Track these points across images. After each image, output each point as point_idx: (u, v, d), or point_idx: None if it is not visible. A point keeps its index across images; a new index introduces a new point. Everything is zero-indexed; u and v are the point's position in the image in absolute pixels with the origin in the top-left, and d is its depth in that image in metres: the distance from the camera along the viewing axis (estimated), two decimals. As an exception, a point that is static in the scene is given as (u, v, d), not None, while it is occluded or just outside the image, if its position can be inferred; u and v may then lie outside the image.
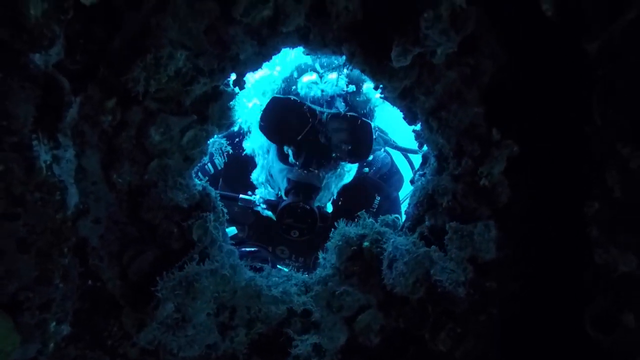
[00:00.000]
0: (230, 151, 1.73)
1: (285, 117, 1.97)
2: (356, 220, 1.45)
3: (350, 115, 1.94)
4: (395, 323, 1.32)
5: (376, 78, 1.28)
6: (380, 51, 1.19)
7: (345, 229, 1.39)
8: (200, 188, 1.35)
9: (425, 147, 1.55)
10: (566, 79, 1.19)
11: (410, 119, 1.43)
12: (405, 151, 2.66)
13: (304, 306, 1.34)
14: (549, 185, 1.27)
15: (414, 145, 1.62)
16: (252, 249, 2.03)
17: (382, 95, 1.38)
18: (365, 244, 1.36)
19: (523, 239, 1.30)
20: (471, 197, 1.28)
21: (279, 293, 1.32)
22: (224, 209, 1.40)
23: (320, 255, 1.45)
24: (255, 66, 1.30)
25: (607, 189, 1.04)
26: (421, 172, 1.51)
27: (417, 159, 2.42)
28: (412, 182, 1.60)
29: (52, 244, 1.03)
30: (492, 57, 1.22)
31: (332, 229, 1.44)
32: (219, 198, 1.40)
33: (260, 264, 1.51)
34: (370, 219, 1.42)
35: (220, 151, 1.51)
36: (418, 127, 1.48)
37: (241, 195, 2.13)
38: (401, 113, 1.46)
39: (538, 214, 1.29)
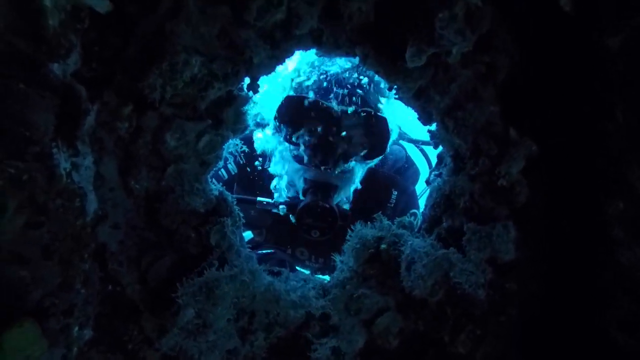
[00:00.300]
0: (247, 150, 1.71)
1: (300, 116, 1.96)
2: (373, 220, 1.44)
3: (364, 110, 1.92)
4: (414, 325, 1.31)
5: (390, 79, 1.27)
6: (393, 52, 1.18)
7: (362, 231, 1.38)
8: (216, 193, 1.35)
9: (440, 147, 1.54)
10: (579, 74, 1.16)
11: (425, 119, 1.41)
12: (419, 143, 2.63)
13: (323, 309, 1.34)
14: (564, 183, 1.25)
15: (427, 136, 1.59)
16: (268, 251, 2.03)
17: (397, 96, 1.36)
18: (383, 246, 1.35)
19: (541, 239, 1.28)
20: (489, 197, 1.26)
21: (297, 297, 1.32)
22: (240, 213, 1.41)
23: (337, 258, 1.45)
24: (269, 69, 1.30)
25: (630, 186, 1.02)
26: (437, 173, 1.50)
27: (431, 151, 2.39)
28: (427, 182, 1.59)
29: (73, 250, 1.04)
30: (506, 53, 1.20)
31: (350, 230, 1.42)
32: (235, 202, 1.40)
33: (278, 268, 1.51)
34: (387, 221, 1.41)
35: (235, 152, 1.50)
36: (433, 127, 1.46)
37: (259, 198, 2.12)
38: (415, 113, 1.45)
39: (555, 213, 1.27)
